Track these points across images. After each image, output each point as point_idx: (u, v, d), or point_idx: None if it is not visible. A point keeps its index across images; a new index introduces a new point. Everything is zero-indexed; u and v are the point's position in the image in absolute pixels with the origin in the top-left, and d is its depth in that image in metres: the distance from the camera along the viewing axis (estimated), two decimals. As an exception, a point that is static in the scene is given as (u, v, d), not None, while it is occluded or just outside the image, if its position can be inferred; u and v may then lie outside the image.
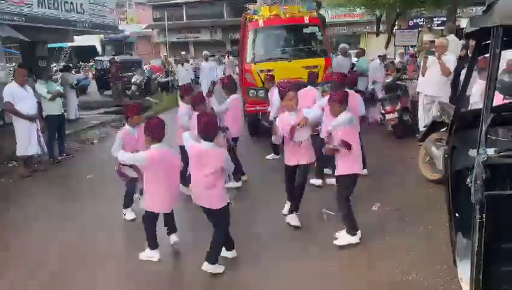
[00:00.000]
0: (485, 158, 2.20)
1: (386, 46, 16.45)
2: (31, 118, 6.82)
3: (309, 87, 6.17)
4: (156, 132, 3.74)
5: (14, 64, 17.97)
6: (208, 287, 3.64)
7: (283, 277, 3.68)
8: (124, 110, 4.96)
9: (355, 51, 13.38)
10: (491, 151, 2.24)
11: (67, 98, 10.41)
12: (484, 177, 2.22)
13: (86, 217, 5.22)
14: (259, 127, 8.62)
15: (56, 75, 13.30)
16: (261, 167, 6.77)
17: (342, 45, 10.99)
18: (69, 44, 21.20)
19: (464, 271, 2.76)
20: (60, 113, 8.02)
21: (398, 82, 8.54)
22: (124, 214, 5.07)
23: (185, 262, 4.13)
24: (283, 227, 4.57)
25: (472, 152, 2.28)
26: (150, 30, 37.08)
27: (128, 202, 5.07)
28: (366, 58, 11.03)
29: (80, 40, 20.09)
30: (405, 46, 14.04)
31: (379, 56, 9.93)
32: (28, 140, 6.84)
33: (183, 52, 21.35)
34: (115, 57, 17.14)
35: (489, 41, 2.21)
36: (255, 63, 8.10)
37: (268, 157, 7.17)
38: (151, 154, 3.74)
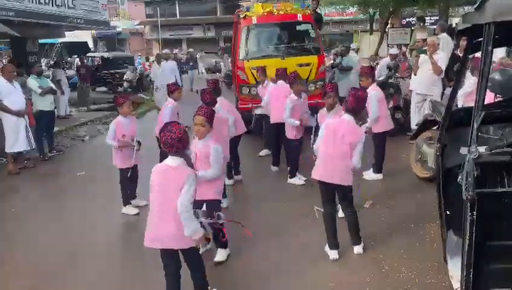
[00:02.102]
0: (476, 156, 2.20)
1: (379, 45, 16.49)
2: (19, 114, 6.73)
3: (281, 82, 6.32)
4: None
5: (4, 60, 17.76)
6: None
7: (269, 270, 3.67)
8: (115, 100, 5.23)
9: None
10: (482, 149, 2.24)
11: (57, 94, 10.29)
12: (475, 175, 2.22)
13: (77, 215, 5.16)
14: (252, 125, 8.61)
15: (48, 72, 13.17)
16: (254, 165, 6.75)
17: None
18: (61, 40, 20.95)
19: (455, 268, 2.77)
20: (51, 110, 7.94)
21: (390, 80, 8.55)
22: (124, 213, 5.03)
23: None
24: (271, 226, 4.57)
25: (463, 150, 2.27)
26: (143, 26, 36.86)
27: (127, 198, 5.05)
28: (351, 56, 10.88)
29: (72, 36, 19.95)
30: (398, 45, 14.09)
31: (390, 55, 10.00)
32: (16, 136, 6.75)
33: (164, 51, 20.32)
34: (105, 53, 16.93)
35: (481, 39, 2.20)
36: (248, 60, 8.07)
37: (261, 154, 7.17)
38: None
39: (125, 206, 5.05)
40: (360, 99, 3.66)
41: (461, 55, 4.83)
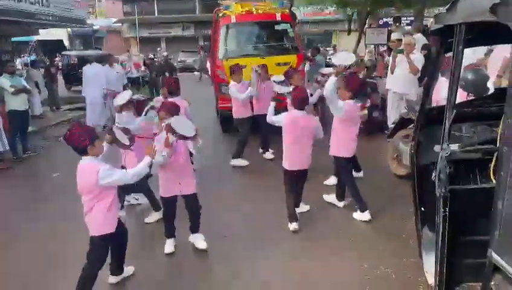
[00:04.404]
0: (448, 153, 2.25)
1: (357, 45, 16.69)
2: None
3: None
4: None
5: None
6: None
7: (256, 270, 3.68)
8: None
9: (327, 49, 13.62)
10: (454, 146, 2.29)
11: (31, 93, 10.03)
12: (448, 172, 2.27)
13: (53, 217, 5.04)
14: (232, 123, 8.60)
15: (22, 71, 12.83)
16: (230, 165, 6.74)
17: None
18: (35, 38, 20.42)
19: (429, 264, 2.83)
20: (24, 110, 7.74)
21: (367, 80, 8.67)
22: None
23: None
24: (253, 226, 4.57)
25: (437, 148, 2.32)
26: (120, 25, 36.26)
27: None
28: (320, 57, 11.34)
29: (47, 34, 19.45)
30: (375, 45, 14.28)
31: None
32: (-13, 137, 6.56)
33: (122, 57, 17.08)
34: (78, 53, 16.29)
35: (453, 39, 2.25)
36: (227, 59, 8.04)
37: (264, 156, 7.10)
38: None
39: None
40: (301, 99, 4.26)
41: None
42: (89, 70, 9.78)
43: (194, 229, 4.08)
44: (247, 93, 6.48)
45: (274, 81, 6.30)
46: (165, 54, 18.18)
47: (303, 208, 4.77)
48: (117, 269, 3.56)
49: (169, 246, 4.04)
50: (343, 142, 4.61)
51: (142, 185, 4.56)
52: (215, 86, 8.64)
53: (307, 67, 9.84)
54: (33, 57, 17.75)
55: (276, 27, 8.84)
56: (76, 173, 3.12)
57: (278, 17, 8.43)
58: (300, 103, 4.27)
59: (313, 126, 4.35)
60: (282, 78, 6.42)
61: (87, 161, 3.10)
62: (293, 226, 4.35)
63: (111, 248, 3.37)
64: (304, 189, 4.67)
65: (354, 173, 5.75)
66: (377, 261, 3.72)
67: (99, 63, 10.06)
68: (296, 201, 4.59)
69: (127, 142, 3.57)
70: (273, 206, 4.81)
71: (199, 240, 4.06)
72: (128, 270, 3.66)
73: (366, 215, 4.51)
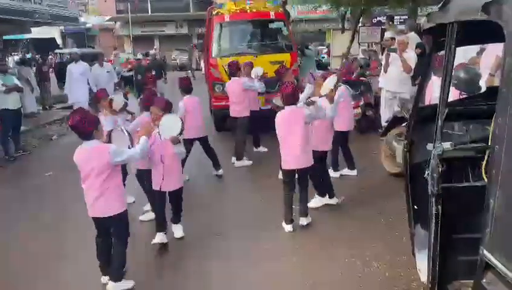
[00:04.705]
0: (441, 151, 2.26)
1: (350, 43, 16.70)
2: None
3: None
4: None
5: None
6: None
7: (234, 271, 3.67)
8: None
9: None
10: (447, 145, 2.30)
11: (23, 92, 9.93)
12: (440, 170, 2.28)
13: (45, 216, 5.01)
14: (226, 122, 8.58)
15: (14, 69, 12.68)
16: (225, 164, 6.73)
17: None
18: (27, 36, 20.23)
19: (422, 261, 2.84)
20: (16, 108, 7.67)
21: (361, 78, 8.70)
22: None
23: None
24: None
25: (429, 146, 2.33)
26: (113, 23, 36.01)
27: None
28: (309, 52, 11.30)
29: (39, 32, 19.29)
30: (368, 43, 14.31)
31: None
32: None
33: (109, 57, 16.49)
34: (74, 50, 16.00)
35: (445, 38, 2.26)
36: (220, 58, 8.03)
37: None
38: None
39: None
40: (290, 94, 4.21)
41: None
42: (75, 69, 9.39)
43: (175, 220, 4.34)
44: (260, 84, 6.59)
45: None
46: (152, 52, 17.55)
47: (303, 221, 4.42)
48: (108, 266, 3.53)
49: (158, 237, 4.16)
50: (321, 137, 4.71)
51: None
52: (209, 84, 8.62)
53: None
54: (18, 57, 17.04)
55: (270, 25, 8.83)
56: (79, 158, 3.18)
57: (272, 16, 8.42)
58: (287, 98, 4.23)
59: (302, 115, 4.21)
60: (261, 70, 6.58)
61: (93, 144, 3.18)
62: (287, 228, 4.32)
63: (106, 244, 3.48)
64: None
65: (347, 171, 5.82)
66: (369, 258, 3.73)
67: (88, 61, 9.84)
68: (303, 204, 4.47)
69: (128, 143, 3.60)
70: (268, 205, 4.82)
71: (177, 231, 4.30)
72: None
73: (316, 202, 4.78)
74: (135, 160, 3.48)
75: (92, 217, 3.37)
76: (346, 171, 5.86)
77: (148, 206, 4.77)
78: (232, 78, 6.68)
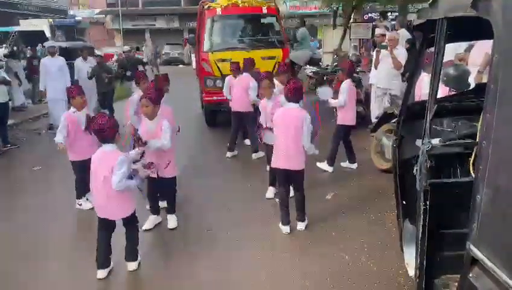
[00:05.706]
0: (429, 147, 2.28)
1: (342, 39, 16.73)
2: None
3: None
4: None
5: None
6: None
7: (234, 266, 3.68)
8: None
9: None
10: (435, 141, 2.31)
11: (12, 85, 9.77)
12: (428, 166, 2.30)
13: (33, 210, 4.95)
14: (216, 117, 8.56)
15: (1, 62, 12.44)
16: (216, 159, 6.72)
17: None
18: (16, 28, 19.87)
19: (410, 256, 2.87)
20: (4, 101, 7.55)
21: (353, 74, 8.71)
22: (80, 205, 4.89)
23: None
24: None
25: (418, 142, 2.35)
26: (104, 16, 35.61)
27: (81, 192, 4.87)
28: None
29: (27, 25, 18.99)
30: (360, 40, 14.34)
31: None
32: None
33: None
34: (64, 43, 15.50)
35: (434, 34, 2.27)
36: (212, 52, 7.99)
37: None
38: None
39: (78, 199, 4.92)
40: (297, 90, 4.07)
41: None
42: (50, 64, 8.43)
43: (169, 210, 4.40)
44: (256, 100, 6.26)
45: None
46: (126, 48, 15.95)
47: (300, 225, 4.26)
48: (106, 261, 3.55)
49: (149, 223, 4.32)
50: None
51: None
52: (200, 79, 8.57)
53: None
54: (7, 50, 16.17)
55: (262, 20, 8.79)
56: (95, 158, 3.33)
57: (264, 11, 8.40)
58: (293, 94, 4.06)
59: (302, 116, 4.02)
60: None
61: (110, 148, 3.32)
62: (284, 229, 4.19)
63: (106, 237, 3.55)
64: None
65: (348, 163, 5.98)
66: (359, 253, 3.76)
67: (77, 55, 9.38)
68: (300, 208, 4.29)
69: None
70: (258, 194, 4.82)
71: (171, 221, 4.36)
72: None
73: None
74: (128, 188, 3.35)
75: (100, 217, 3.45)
76: (347, 163, 5.96)
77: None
78: (244, 73, 6.47)
